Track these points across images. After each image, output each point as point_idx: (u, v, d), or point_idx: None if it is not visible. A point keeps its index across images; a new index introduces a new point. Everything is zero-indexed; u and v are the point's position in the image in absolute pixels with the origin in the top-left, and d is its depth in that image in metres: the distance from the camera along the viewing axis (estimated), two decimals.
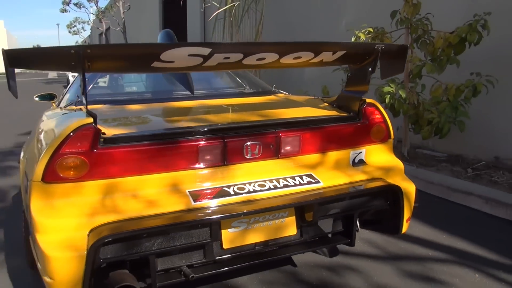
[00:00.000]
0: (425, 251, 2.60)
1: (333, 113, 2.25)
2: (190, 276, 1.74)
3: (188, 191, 1.80)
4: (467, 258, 2.50)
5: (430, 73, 3.85)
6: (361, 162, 2.20)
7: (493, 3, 3.95)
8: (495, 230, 2.91)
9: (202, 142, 1.81)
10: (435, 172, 3.87)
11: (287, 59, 1.90)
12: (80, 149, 1.64)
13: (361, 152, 2.20)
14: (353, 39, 4.16)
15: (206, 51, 1.67)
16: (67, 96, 2.97)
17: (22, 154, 2.18)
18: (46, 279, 1.55)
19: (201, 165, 1.83)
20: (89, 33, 44.73)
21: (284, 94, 3.02)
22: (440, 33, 3.94)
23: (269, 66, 1.95)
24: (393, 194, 2.06)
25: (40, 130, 2.02)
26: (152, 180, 1.76)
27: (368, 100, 2.18)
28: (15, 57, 1.53)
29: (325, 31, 6.78)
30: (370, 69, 2.09)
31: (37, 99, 4.08)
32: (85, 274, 1.51)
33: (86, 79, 2.85)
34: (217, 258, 1.84)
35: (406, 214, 2.12)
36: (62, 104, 2.86)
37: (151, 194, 1.75)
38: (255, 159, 1.93)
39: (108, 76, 3.11)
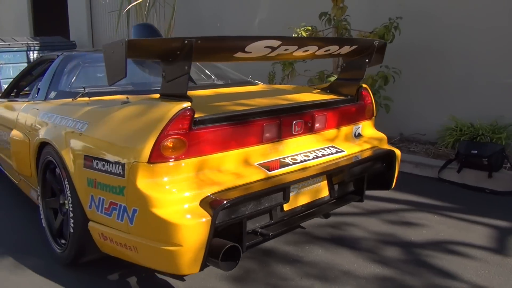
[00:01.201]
0: (391, 205, 3.28)
1: (334, 96, 2.73)
2: (270, 234, 2.05)
3: (257, 164, 2.10)
4: (422, 206, 3.26)
5: None
6: (359, 135, 2.74)
7: (391, 11, 4.86)
8: (428, 184, 3.78)
9: (267, 121, 2.12)
10: None
11: (320, 51, 2.32)
12: (181, 130, 1.81)
13: (359, 127, 2.73)
14: (294, 36, 4.71)
15: (276, 43, 1.99)
16: (51, 88, 2.85)
17: (74, 145, 2.13)
18: (170, 248, 1.70)
19: (264, 141, 2.14)
20: None
21: (262, 84, 3.40)
22: (361, 32, 4.75)
23: (303, 57, 2.33)
24: (390, 157, 2.64)
25: (105, 119, 2.04)
26: (232, 156, 2.02)
27: (363, 85, 2.72)
28: (135, 47, 1.63)
29: (237, 27, 7.19)
30: (367, 60, 2.63)
31: None
32: (208, 237, 1.72)
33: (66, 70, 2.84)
34: (279, 219, 2.18)
35: (396, 173, 2.73)
36: (52, 97, 2.76)
37: (233, 168, 2.01)
38: (299, 134, 2.30)
39: (81, 69, 3.07)
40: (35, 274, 2.33)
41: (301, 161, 2.23)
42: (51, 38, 10.66)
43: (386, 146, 2.77)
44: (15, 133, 2.83)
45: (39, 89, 3.01)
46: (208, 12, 7.77)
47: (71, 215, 2.17)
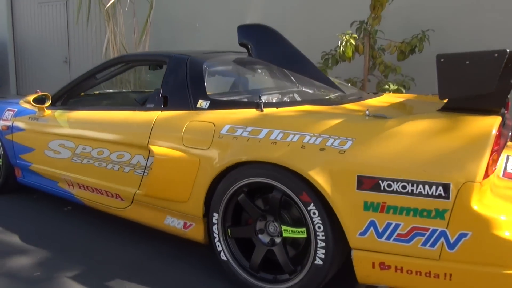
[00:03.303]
0: None
1: None
2: None
3: None
4: None
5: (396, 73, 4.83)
6: None
7: (398, 24, 5.20)
8: None
9: None
10: None
11: None
12: (496, 146, 1.73)
13: None
14: (340, 42, 4.71)
15: None
16: (195, 96, 2.43)
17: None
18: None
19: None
20: None
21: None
22: (391, 42, 4.96)
23: None
24: None
25: (383, 136, 1.84)
26: None
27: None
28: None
29: (219, 28, 6.87)
30: None
31: (33, 102, 3.07)
32: None
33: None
34: None
35: None
36: (206, 106, 2.36)
37: None
38: None
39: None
40: None
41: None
42: None
43: None
44: (163, 151, 2.33)
45: (165, 97, 2.54)
46: (185, 10, 7.31)
47: (321, 244, 1.89)
